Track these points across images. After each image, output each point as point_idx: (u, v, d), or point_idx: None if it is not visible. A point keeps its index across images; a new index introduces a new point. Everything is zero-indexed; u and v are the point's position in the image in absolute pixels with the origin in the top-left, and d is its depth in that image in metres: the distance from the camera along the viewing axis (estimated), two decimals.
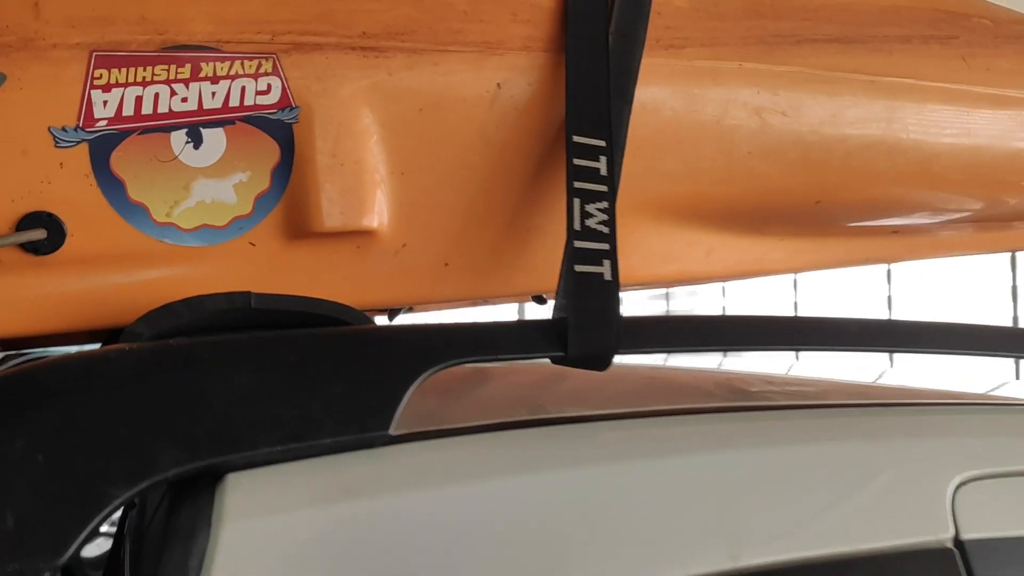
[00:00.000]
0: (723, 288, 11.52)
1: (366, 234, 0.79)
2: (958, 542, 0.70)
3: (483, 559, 0.60)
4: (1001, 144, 1.11)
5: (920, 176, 1.07)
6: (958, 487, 0.72)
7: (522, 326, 0.74)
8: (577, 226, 0.76)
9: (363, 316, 0.74)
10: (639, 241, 0.94)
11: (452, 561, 0.60)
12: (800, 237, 1.10)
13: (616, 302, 0.75)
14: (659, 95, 0.89)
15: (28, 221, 0.69)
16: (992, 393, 1.07)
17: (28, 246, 0.69)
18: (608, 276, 0.75)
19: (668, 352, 0.84)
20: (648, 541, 0.64)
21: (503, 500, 0.63)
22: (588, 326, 0.73)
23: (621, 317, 0.74)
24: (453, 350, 0.70)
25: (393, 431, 0.65)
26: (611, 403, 0.78)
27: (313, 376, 0.65)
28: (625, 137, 0.84)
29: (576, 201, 0.77)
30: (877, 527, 0.70)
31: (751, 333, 0.79)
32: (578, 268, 0.75)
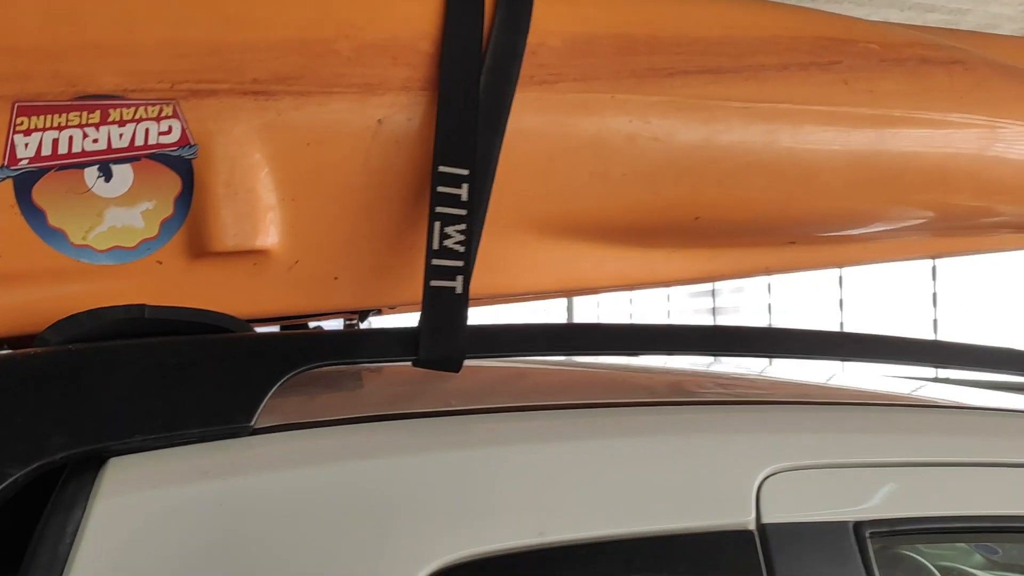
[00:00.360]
0: (768, 284, 11.51)
1: (260, 252, 0.91)
2: (760, 526, 0.80)
3: (317, 530, 0.72)
4: (884, 160, 1.19)
5: (801, 193, 1.16)
6: (765, 478, 0.82)
7: (381, 334, 0.85)
8: (436, 246, 0.87)
9: (244, 324, 0.86)
10: (525, 255, 1.05)
11: (287, 531, 0.71)
12: (691, 249, 1.20)
13: (464, 313, 0.86)
14: (533, 126, 1.00)
15: None
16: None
17: None
18: (459, 290, 0.86)
19: (512, 356, 0.94)
20: (466, 519, 0.75)
21: (338, 482, 0.74)
22: (438, 334, 0.85)
23: (467, 326, 0.85)
24: (315, 355, 0.82)
25: (256, 424, 0.77)
26: (472, 401, 0.89)
27: (187, 376, 0.77)
28: (495, 165, 0.95)
29: (437, 224, 0.88)
30: (684, 511, 0.80)
31: (583, 339, 0.90)
32: (433, 283, 0.86)
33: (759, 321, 11.97)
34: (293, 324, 1.37)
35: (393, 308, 1.14)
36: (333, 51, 0.92)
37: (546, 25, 1.01)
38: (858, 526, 0.82)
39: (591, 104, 1.02)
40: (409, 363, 0.85)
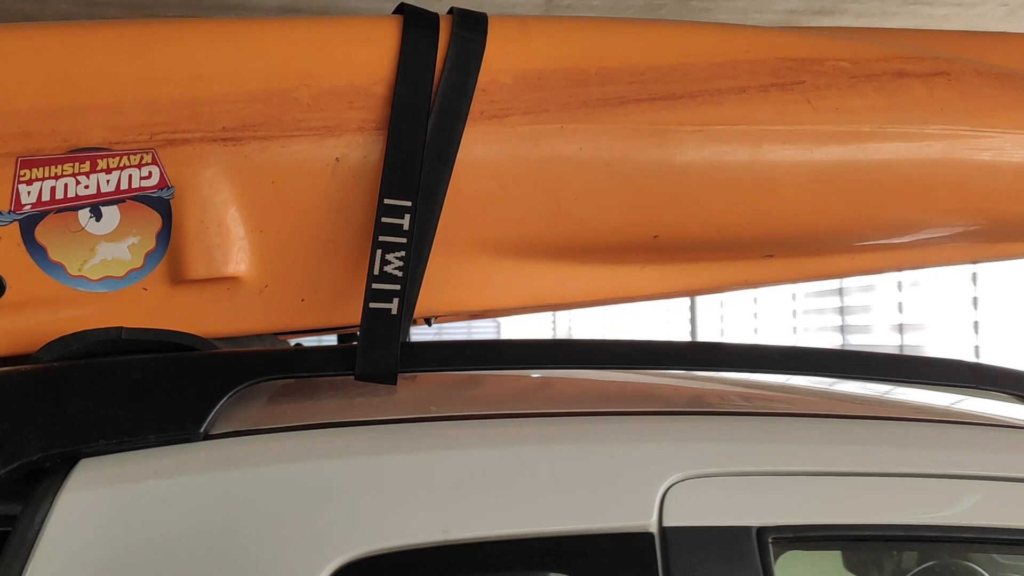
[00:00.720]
0: (899, 283, 11.10)
1: (233, 279, 1.04)
2: (661, 528, 0.86)
3: (244, 524, 0.83)
4: (855, 175, 1.21)
5: (764, 210, 1.20)
6: (672, 484, 0.88)
7: (322, 351, 0.96)
8: (376, 271, 0.98)
9: (208, 343, 0.99)
10: (485, 275, 1.14)
11: (219, 526, 0.83)
12: (661, 264, 1.25)
13: (398, 332, 0.96)
14: (485, 157, 1.08)
15: None
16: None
17: None
18: (395, 311, 0.96)
19: (446, 370, 1.03)
20: (376, 517, 0.84)
21: (264, 483, 0.85)
22: (373, 351, 0.95)
23: (399, 344, 0.95)
24: (262, 370, 0.93)
25: (212, 431, 0.89)
26: (400, 411, 0.98)
27: (148, 390, 0.90)
28: (443, 195, 1.04)
29: (378, 251, 0.98)
30: (589, 513, 0.87)
31: (509, 354, 0.98)
32: (372, 305, 0.96)
33: (888, 321, 11.54)
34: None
35: (338, 328, 1.23)
36: (294, 99, 1.03)
37: (498, 64, 1.10)
38: (760, 531, 0.87)
39: (540, 135, 1.10)
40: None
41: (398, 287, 0.97)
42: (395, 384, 0.96)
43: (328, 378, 1.04)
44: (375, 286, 0.97)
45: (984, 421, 1.05)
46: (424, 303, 1.08)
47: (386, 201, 1.00)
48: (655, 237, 1.18)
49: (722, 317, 13.86)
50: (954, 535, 0.91)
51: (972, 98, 1.27)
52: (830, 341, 12.00)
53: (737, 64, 1.18)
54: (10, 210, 0.98)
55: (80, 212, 0.99)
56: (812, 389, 1.20)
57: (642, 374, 1.27)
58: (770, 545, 0.87)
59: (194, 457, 0.87)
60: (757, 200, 1.19)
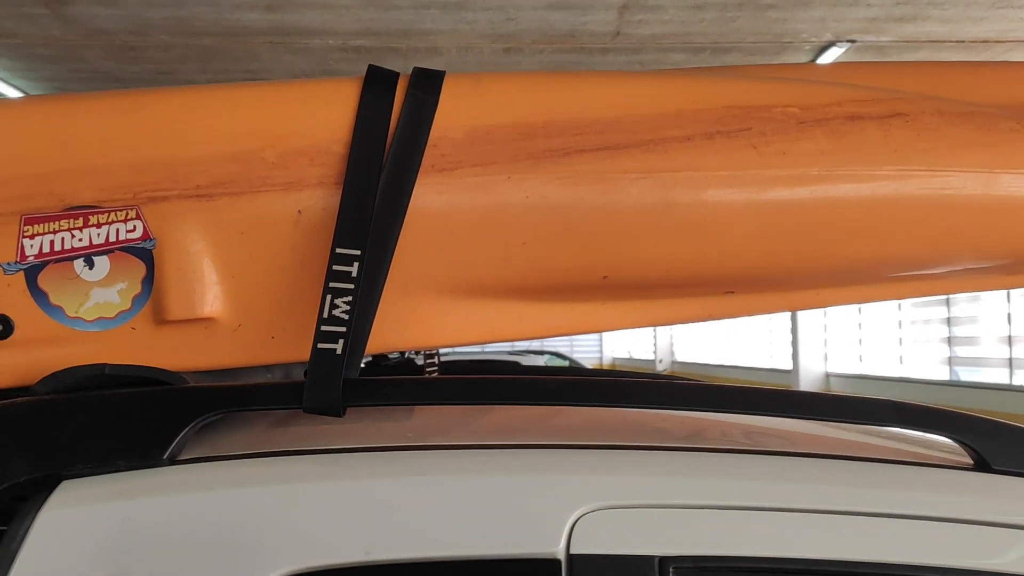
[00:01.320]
0: (1008, 295, 10.64)
1: (209, 319, 1.16)
2: (568, 556, 0.94)
3: (187, 543, 0.95)
4: (803, 217, 1.26)
5: (710, 251, 1.26)
6: (582, 515, 0.96)
7: (273, 386, 1.07)
8: (325, 315, 1.09)
9: (179, 378, 1.11)
10: (440, 314, 1.24)
11: (168, 543, 0.95)
12: (617, 301, 1.33)
13: (341, 370, 1.06)
14: (435, 206, 1.18)
15: None
16: None
17: None
18: (339, 351, 1.07)
19: (387, 405, 1.13)
20: (304, 538, 0.95)
21: (209, 506, 0.97)
22: (319, 386, 1.06)
23: (342, 381, 1.05)
24: (220, 403, 1.05)
25: (170, 458, 1.01)
26: (337, 441, 1.08)
27: (120, 420, 1.03)
28: (395, 242, 1.14)
29: (328, 296, 1.09)
30: (502, 539, 0.96)
31: (446, 391, 1.07)
32: (319, 345, 1.07)
33: (998, 331, 11.08)
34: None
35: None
36: (260, 159, 1.16)
37: (449, 120, 1.19)
38: (663, 561, 0.94)
39: (488, 185, 1.19)
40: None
41: (343, 329, 1.08)
42: (341, 416, 1.06)
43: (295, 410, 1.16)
44: (323, 328, 1.08)
45: (894, 458, 1.09)
46: (382, 340, 1.19)
47: (337, 250, 1.11)
48: (605, 277, 1.25)
49: (826, 327, 13.52)
50: (852, 571, 0.95)
51: (930, 137, 1.30)
52: (937, 353, 11.58)
53: (682, 113, 1.25)
54: (16, 261, 1.13)
55: (75, 262, 1.14)
56: (733, 424, 1.25)
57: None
58: (671, 574, 0.93)
59: (155, 481, 0.99)
60: (705, 242, 1.25)
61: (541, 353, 16.96)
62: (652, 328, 19.45)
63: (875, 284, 1.42)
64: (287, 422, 1.20)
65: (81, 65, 7.98)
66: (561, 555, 0.94)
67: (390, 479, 0.99)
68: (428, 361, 1.90)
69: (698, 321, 1.40)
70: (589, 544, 0.94)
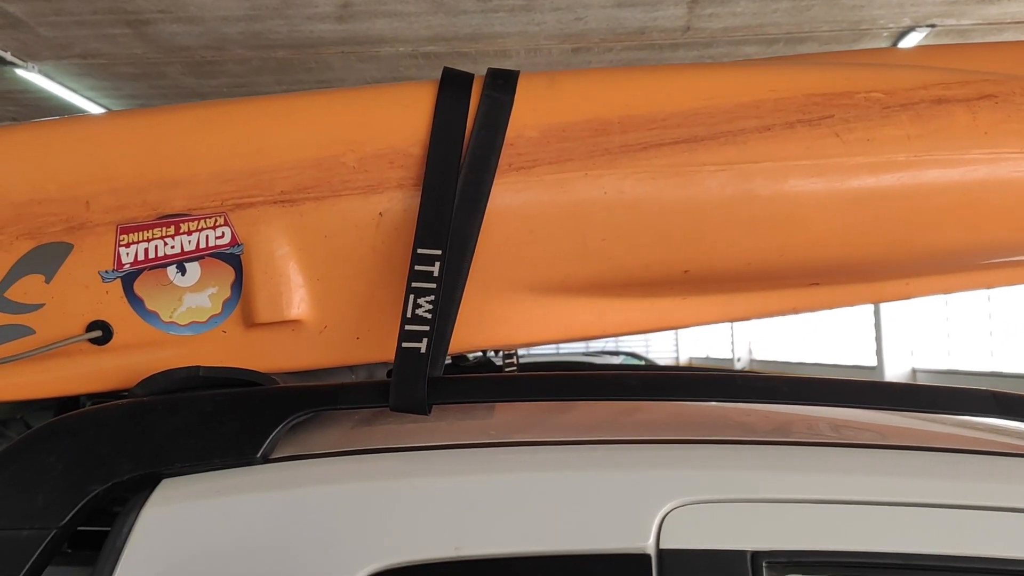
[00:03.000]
0: None
1: (296, 322, 1.19)
2: (659, 551, 0.94)
3: (285, 537, 0.97)
4: (889, 204, 1.24)
5: (794, 242, 1.24)
6: (671, 509, 0.96)
7: (361, 385, 1.09)
8: (408, 314, 1.10)
9: (270, 379, 1.14)
10: (522, 312, 1.24)
11: (266, 537, 0.97)
12: (699, 296, 1.31)
13: (426, 369, 1.07)
14: (513, 205, 1.19)
15: (92, 326, 1.18)
16: None
17: (93, 340, 1.18)
18: (424, 350, 1.08)
19: (471, 402, 1.14)
20: (396, 534, 0.97)
21: (306, 501, 0.99)
22: (405, 386, 1.07)
23: (427, 380, 1.07)
24: (308, 403, 1.08)
25: (263, 456, 1.04)
26: (430, 439, 1.10)
27: (216, 420, 1.07)
28: (474, 242, 1.15)
29: (411, 296, 1.11)
30: (591, 534, 0.96)
31: (528, 388, 1.08)
32: (404, 345, 1.09)
33: None
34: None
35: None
36: (341, 163, 1.18)
37: (525, 120, 1.20)
38: (755, 556, 0.93)
39: (565, 182, 1.19)
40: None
41: (427, 328, 1.09)
42: (427, 414, 1.08)
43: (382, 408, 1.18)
44: (407, 328, 1.09)
45: (993, 450, 1.05)
46: (464, 339, 1.20)
47: (419, 251, 1.13)
48: (686, 272, 1.24)
49: (911, 321, 13.11)
50: (952, 565, 0.93)
51: (1021, 118, 1.26)
52: None
53: (761, 103, 1.23)
54: (113, 269, 1.18)
55: (168, 268, 1.18)
56: (818, 417, 1.23)
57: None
58: (764, 569, 0.92)
59: (251, 479, 1.02)
60: (787, 233, 1.23)
61: (616, 354, 16.86)
62: (730, 325, 19.16)
63: (966, 273, 1.38)
64: (372, 421, 1.22)
65: (163, 81, 8.24)
66: (651, 550, 0.93)
67: (479, 476, 1.00)
68: (507, 361, 1.91)
69: (782, 315, 1.38)
70: (679, 539, 0.94)
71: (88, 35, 7.02)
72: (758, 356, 21.05)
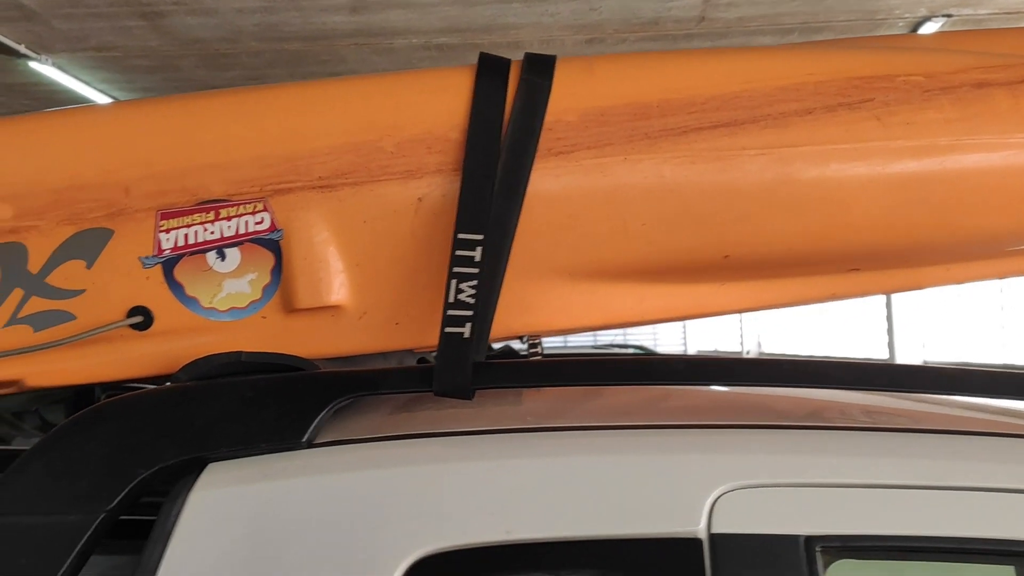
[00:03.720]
0: None
1: (335, 307, 1.19)
2: (710, 535, 0.93)
3: (332, 521, 0.97)
4: (930, 188, 1.23)
5: (835, 227, 1.24)
6: (722, 493, 0.95)
7: (404, 371, 1.09)
8: (451, 299, 1.10)
9: (312, 364, 1.14)
10: (561, 298, 1.24)
11: (312, 521, 0.97)
12: (739, 281, 1.31)
13: (469, 353, 1.07)
14: (552, 190, 1.19)
15: (133, 311, 1.18)
16: None
17: (134, 326, 1.18)
18: (467, 335, 1.08)
19: (515, 387, 1.13)
20: (446, 518, 0.96)
21: (351, 486, 0.99)
22: (448, 370, 1.07)
23: (471, 364, 1.06)
24: (351, 388, 1.07)
25: (308, 441, 1.04)
26: (473, 423, 1.09)
27: (259, 406, 1.06)
28: (514, 227, 1.15)
29: (453, 281, 1.11)
30: (641, 518, 0.95)
31: (571, 373, 1.07)
32: (447, 329, 1.09)
33: None
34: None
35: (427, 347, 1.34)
36: (379, 148, 1.18)
37: (563, 104, 1.20)
38: (809, 540, 0.92)
39: (605, 167, 1.19)
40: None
41: (470, 313, 1.09)
42: (471, 399, 1.07)
43: (421, 393, 1.17)
44: (450, 312, 1.09)
45: None
46: (505, 325, 1.20)
47: (460, 236, 1.12)
48: (726, 257, 1.24)
49: (921, 313, 13.02)
50: (1005, 549, 0.92)
51: None
52: None
53: (802, 87, 1.22)
54: (153, 255, 1.18)
55: (208, 254, 1.18)
56: (866, 402, 1.22)
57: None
58: (818, 554, 0.92)
59: (296, 464, 1.02)
60: (828, 217, 1.23)
61: (625, 347, 16.83)
62: (738, 317, 19.08)
63: (1009, 258, 1.37)
64: (409, 407, 1.22)
65: (177, 74, 8.25)
66: (702, 534, 0.93)
67: (529, 460, 1.00)
68: (531, 351, 1.90)
69: (822, 301, 1.37)
70: (731, 523, 0.93)
71: (103, 27, 7.03)
72: (767, 348, 21.00)
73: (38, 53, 7.75)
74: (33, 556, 0.98)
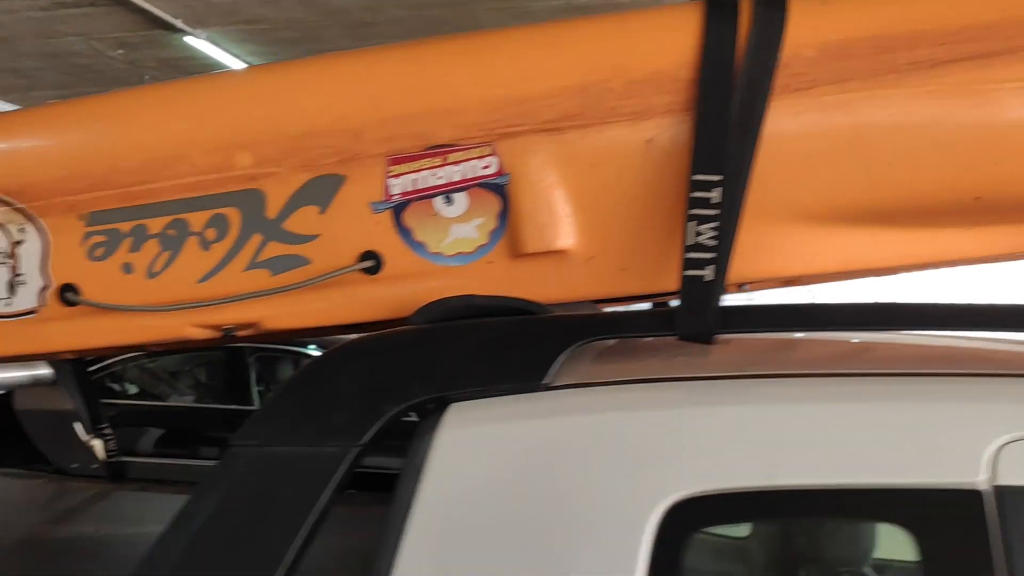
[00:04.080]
0: None
1: (561, 252, 1.18)
2: (995, 487, 0.87)
3: (583, 464, 0.96)
4: None
5: None
6: (1004, 444, 0.89)
7: (644, 314, 1.07)
8: (690, 241, 1.07)
9: (544, 308, 1.14)
10: (796, 243, 1.19)
11: (562, 463, 0.97)
12: (994, 225, 1.22)
13: (713, 296, 1.04)
14: (790, 129, 1.13)
15: (364, 256, 1.20)
16: None
17: (364, 270, 1.21)
18: (709, 277, 1.05)
19: (759, 332, 1.09)
20: (707, 461, 0.94)
21: (604, 428, 0.98)
22: (690, 313, 1.04)
23: (717, 307, 1.03)
24: (592, 331, 1.06)
25: (548, 383, 1.03)
26: (727, 368, 1.07)
27: (499, 347, 1.07)
28: (749, 168, 1.11)
29: (692, 223, 1.08)
30: (915, 468, 0.91)
31: (824, 317, 1.03)
32: (687, 272, 1.06)
33: None
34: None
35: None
36: (607, 90, 1.15)
37: (800, 39, 1.14)
38: None
39: (847, 104, 1.13)
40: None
41: (711, 255, 1.06)
42: (711, 344, 1.05)
43: (644, 340, 1.15)
44: (690, 255, 1.06)
45: None
46: (737, 269, 1.16)
47: (696, 177, 1.09)
48: (977, 199, 1.16)
49: None
50: None
51: None
52: None
53: None
54: (383, 200, 1.19)
55: (436, 199, 1.18)
56: None
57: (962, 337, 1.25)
58: None
59: (542, 405, 1.02)
60: None
61: None
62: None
63: None
64: (637, 351, 1.20)
65: (320, 45, 8.45)
66: (983, 486, 0.87)
67: (793, 405, 0.96)
68: None
69: None
70: (1016, 475, 0.87)
71: (252, 1, 7.27)
72: None
73: (193, 27, 8.09)
74: (295, 485, 1.01)
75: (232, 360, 6.70)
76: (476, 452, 1.00)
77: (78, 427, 2.65)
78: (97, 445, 2.67)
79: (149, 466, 2.64)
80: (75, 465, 2.57)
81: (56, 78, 9.81)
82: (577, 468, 0.96)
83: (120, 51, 8.87)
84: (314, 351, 6.67)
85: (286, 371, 7.12)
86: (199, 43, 8.65)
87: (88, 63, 9.33)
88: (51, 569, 1.82)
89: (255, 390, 6.68)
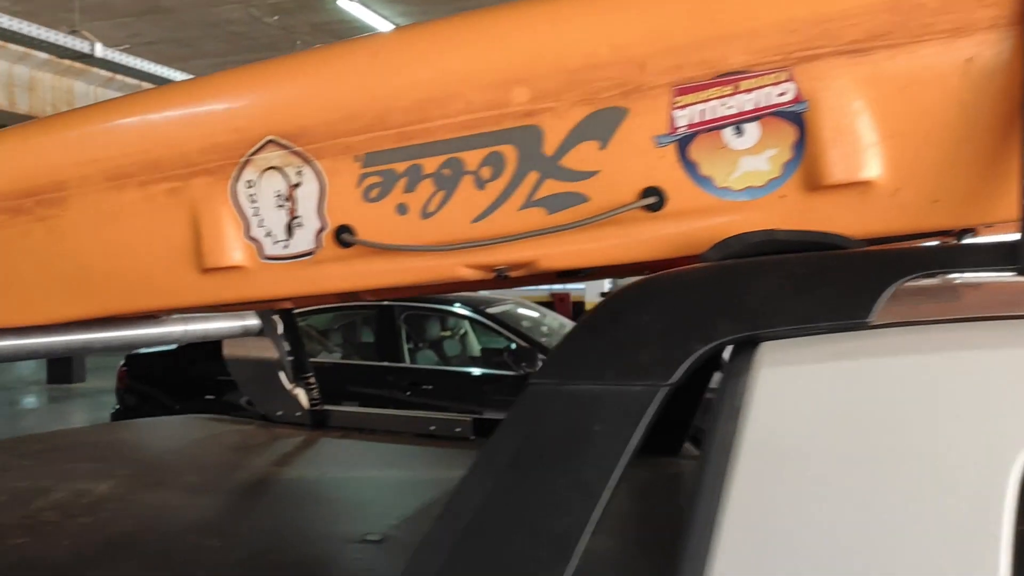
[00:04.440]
0: None
1: (865, 183, 1.10)
2: None
3: (919, 411, 0.89)
4: None
5: None
6: None
7: (978, 246, 0.98)
8: None
9: (855, 242, 1.06)
10: None
11: (895, 407, 0.90)
12: None
13: None
14: None
15: (646, 192, 1.16)
16: None
17: (647, 207, 1.16)
18: None
19: None
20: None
21: (943, 372, 0.90)
22: None
23: None
24: (920, 265, 0.98)
25: (871, 321, 0.97)
26: None
27: (814, 283, 1.00)
28: None
29: None
30: None
31: None
32: None
33: None
34: None
35: (989, 227, 1.22)
36: (920, 5, 1.05)
37: None
38: None
39: None
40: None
41: None
42: None
43: (950, 277, 1.06)
44: None
45: None
46: None
47: None
48: None
49: None
50: None
51: None
52: None
53: None
54: (668, 133, 1.14)
55: (724, 131, 1.12)
56: None
57: None
58: None
59: (865, 344, 0.95)
60: None
61: None
62: None
63: None
64: (948, 290, 1.12)
65: (469, 3, 8.45)
66: None
67: None
68: None
69: None
70: None
71: None
72: None
73: None
74: (605, 423, 0.98)
75: (383, 318, 6.88)
76: (803, 392, 0.94)
77: (282, 376, 2.76)
78: (301, 394, 2.78)
79: (345, 415, 2.72)
80: (280, 413, 2.67)
81: (215, 46, 10.21)
82: (925, 411, 0.89)
83: (276, 17, 9.12)
84: (460, 309, 6.78)
85: (434, 329, 7.27)
86: (351, 6, 8.80)
87: (245, 31, 9.65)
88: (301, 512, 1.89)
89: (405, 347, 6.84)
